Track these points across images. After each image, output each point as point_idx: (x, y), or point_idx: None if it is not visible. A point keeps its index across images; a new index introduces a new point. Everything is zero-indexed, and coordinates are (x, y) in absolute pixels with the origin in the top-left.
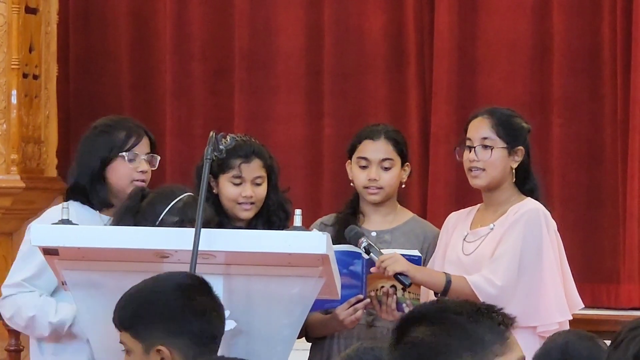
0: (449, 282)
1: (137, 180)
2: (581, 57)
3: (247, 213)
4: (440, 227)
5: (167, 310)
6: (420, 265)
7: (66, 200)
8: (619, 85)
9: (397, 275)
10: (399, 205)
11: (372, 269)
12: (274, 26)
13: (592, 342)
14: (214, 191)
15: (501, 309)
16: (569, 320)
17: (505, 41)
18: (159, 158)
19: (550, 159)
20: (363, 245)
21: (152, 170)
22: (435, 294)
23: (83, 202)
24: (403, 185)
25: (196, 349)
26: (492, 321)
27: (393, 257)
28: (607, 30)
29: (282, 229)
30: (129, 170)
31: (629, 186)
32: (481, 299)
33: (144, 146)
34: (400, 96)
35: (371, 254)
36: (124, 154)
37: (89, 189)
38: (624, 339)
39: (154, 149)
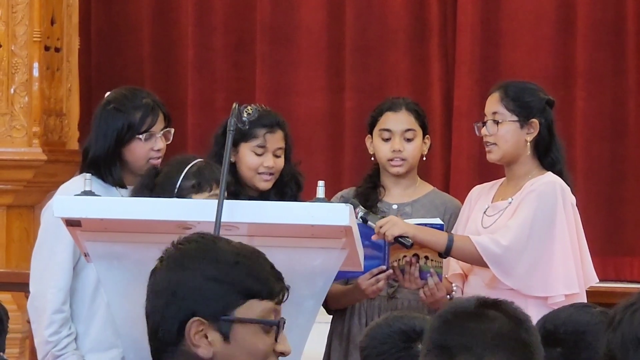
0: (450, 240)
1: (154, 159)
2: (605, 31)
3: (266, 184)
4: (462, 200)
5: None
6: None
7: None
8: None
9: (397, 239)
10: (419, 179)
11: (373, 237)
12: None
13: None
14: (231, 159)
15: None
16: (590, 293)
17: (529, 14)
18: (173, 130)
19: (574, 133)
20: (360, 215)
21: (169, 144)
22: (440, 254)
23: (98, 177)
24: (424, 158)
25: None
26: None
27: (390, 221)
28: (631, 3)
29: (294, 201)
30: (146, 150)
31: None
32: (485, 259)
33: (159, 124)
34: (422, 69)
35: (369, 222)
36: (140, 135)
37: (103, 169)
38: (622, 318)
39: (168, 122)
